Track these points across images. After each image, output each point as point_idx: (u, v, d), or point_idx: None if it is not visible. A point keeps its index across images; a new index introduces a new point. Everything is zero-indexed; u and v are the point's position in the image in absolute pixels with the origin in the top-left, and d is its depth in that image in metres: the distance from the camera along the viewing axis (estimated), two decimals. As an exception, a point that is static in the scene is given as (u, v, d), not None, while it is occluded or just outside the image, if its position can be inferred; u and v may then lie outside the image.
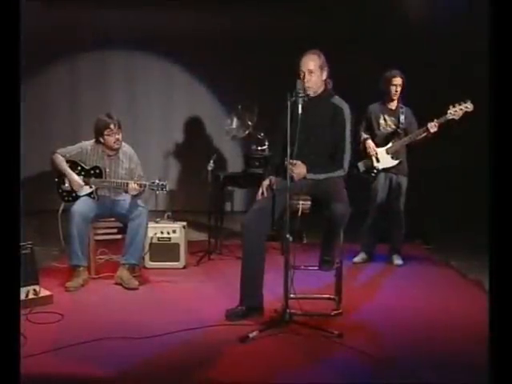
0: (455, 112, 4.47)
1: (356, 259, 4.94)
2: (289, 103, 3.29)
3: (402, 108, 4.74)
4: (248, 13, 6.89)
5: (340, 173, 3.57)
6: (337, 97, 3.63)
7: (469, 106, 4.47)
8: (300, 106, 3.33)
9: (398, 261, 4.88)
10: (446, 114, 4.49)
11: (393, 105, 4.77)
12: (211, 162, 5.04)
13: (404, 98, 4.77)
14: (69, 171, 4.32)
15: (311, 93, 3.49)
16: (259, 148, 5.33)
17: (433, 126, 4.50)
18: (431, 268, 4.87)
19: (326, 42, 5.97)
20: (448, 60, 6.38)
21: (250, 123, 5.17)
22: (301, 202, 3.50)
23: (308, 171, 3.48)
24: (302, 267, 3.73)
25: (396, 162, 4.72)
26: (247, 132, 5.23)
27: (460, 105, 4.48)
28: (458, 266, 4.82)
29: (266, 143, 5.25)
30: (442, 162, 6.54)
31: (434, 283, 4.38)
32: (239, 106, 5.32)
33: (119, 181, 4.32)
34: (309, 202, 3.55)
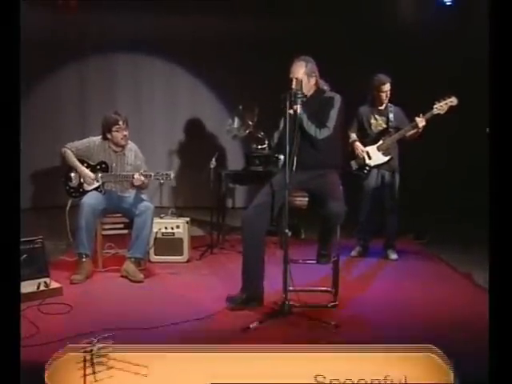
0: (440, 107, 4.63)
1: (353, 253, 5.08)
2: (287, 104, 3.41)
3: (390, 107, 4.89)
4: (248, 15, 6.98)
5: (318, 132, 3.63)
6: (329, 92, 3.76)
7: (453, 101, 4.62)
8: (299, 107, 3.47)
9: (393, 255, 5.02)
10: (432, 109, 4.65)
11: (382, 105, 4.93)
12: (213, 160, 5.12)
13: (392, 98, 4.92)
14: (79, 165, 4.44)
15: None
16: (259, 147, 5.40)
17: (422, 121, 4.64)
18: (423, 262, 4.98)
19: (324, 43, 6.28)
20: (443, 60, 6.55)
21: (250, 123, 5.24)
22: (298, 199, 3.63)
23: (305, 168, 3.57)
24: (301, 261, 3.86)
25: (387, 158, 4.86)
26: (248, 131, 5.30)
27: (445, 100, 4.63)
28: (448, 260, 4.94)
29: (266, 142, 5.31)
30: (435, 160, 6.68)
31: (426, 276, 4.49)
32: (240, 107, 5.41)
33: (125, 173, 4.45)
34: (306, 199, 3.67)
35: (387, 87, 4.83)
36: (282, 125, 3.64)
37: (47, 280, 3.87)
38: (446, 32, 6.46)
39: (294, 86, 3.55)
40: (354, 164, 4.93)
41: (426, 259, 5.07)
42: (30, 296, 3.66)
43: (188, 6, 6.84)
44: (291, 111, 3.47)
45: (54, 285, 3.88)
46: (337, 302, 3.66)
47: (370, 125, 4.95)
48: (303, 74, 3.65)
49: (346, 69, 6.01)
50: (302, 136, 3.58)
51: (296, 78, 3.61)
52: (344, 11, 6.78)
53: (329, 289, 3.76)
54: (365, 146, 4.91)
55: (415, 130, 4.71)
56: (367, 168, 4.90)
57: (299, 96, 3.49)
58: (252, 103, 5.27)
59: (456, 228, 5.94)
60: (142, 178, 4.35)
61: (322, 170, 3.68)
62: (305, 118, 3.58)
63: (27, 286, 3.71)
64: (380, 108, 4.93)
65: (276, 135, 3.79)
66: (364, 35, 6.72)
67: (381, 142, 4.87)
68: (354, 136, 4.97)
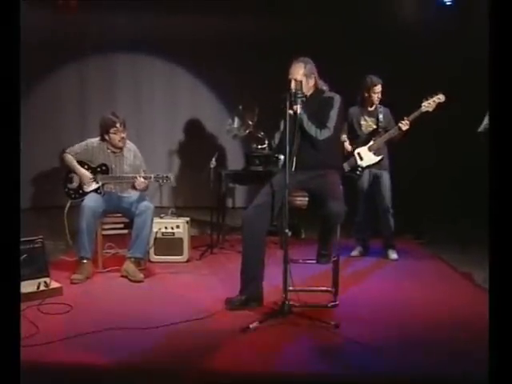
0: (428, 104, 4.67)
1: (353, 253, 5.10)
2: (287, 104, 3.40)
3: (380, 108, 4.93)
4: (248, 15, 6.99)
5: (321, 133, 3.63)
6: (328, 92, 3.77)
7: (441, 97, 4.67)
8: (299, 107, 3.46)
9: (393, 255, 5.03)
10: (421, 107, 4.68)
11: (372, 107, 4.96)
12: (213, 160, 5.14)
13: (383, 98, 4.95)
14: (78, 167, 4.47)
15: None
16: (259, 146, 5.42)
17: (404, 125, 4.70)
18: (423, 261, 5.00)
19: (324, 43, 6.29)
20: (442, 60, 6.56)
21: (250, 123, 5.25)
22: (298, 199, 3.63)
23: (305, 168, 3.58)
24: (301, 261, 3.87)
25: (379, 158, 4.90)
26: (248, 131, 5.30)
27: (432, 97, 4.67)
28: (448, 260, 4.95)
29: (266, 142, 5.33)
30: (434, 160, 6.68)
31: (426, 276, 4.50)
32: (240, 107, 5.41)
33: (125, 175, 4.47)
34: (306, 199, 3.67)
35: (379, 88, 4.87)
36: (282, 125, 3.64)
37: (47, 280, 3.88)
38: (445, 32, 6.47)
39: (293, 87, 3.55)
40: (346, 166, 4.94)
41: (426, 259, 5.08)
42: (30, 296, 3.66)
43: (188, 6, 6.86)
44: (291, 111, 3.48)
45: (54, 285, 3.89)
46: (337, 302, 3.66)
47: (360, 126, 4.98)
48: (302, 75, 3.66)
49: (345, 69, 6.01)
50: (303, 136, 3.60)
51: (295, 79, 3.62)
52: (344, 11, 6.78)
53: (329, 289, 3.77)
54: (356, 146, 4.93)
55: (399, 132, 4.77)
56: (359, 169, 4.93)
57: (299, 96, 3.49)
58: (252, 103, 5.27)
59: (456, 228, 5.95)
60: (144, 180, 4.37)
61: (322, 170, 3.69)
62: (305, 118, 3.59)
63: (27, 286, 3.71)
64: (370, 109, 4.96)
65: (277, 136, 3.79)
66: (364, 35, 6.74)
67: (371, 142, 4.90)
68: (343, 137, 4.97)
